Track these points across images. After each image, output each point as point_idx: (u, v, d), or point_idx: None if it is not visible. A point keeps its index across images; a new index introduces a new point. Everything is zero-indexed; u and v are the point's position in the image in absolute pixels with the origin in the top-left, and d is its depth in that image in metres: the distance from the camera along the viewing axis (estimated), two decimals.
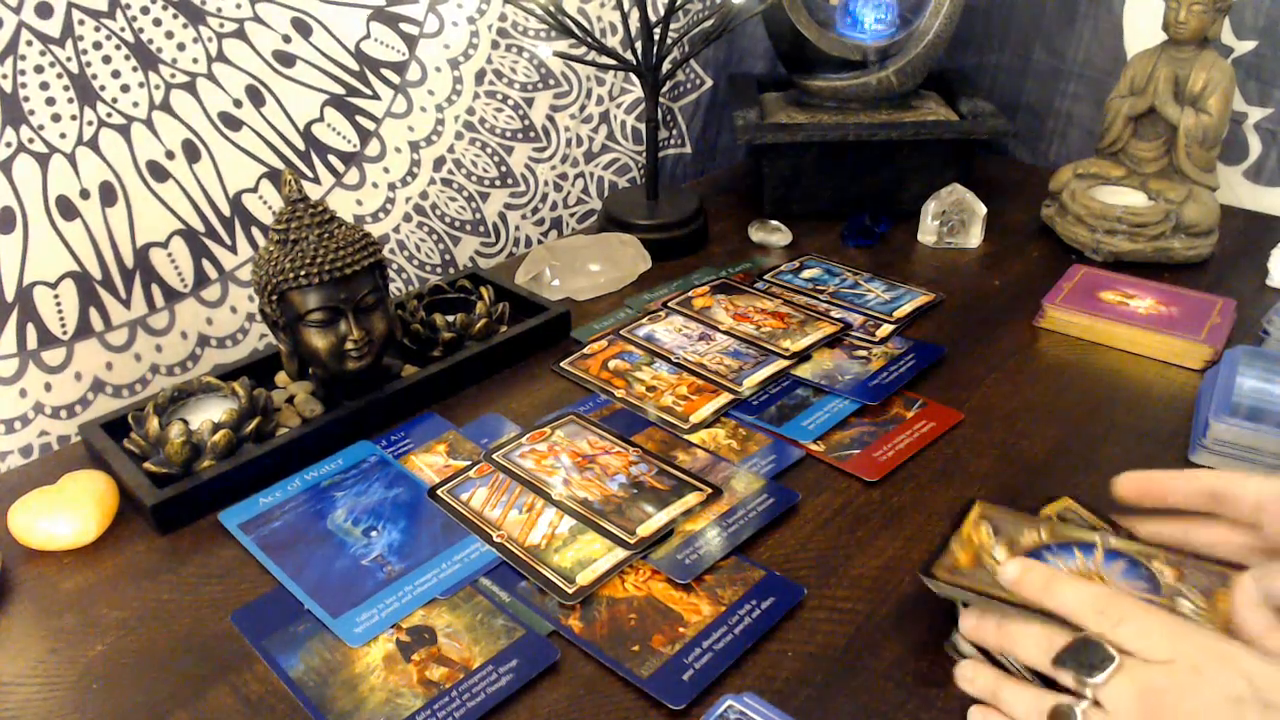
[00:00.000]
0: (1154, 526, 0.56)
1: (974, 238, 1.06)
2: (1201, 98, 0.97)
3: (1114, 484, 0.56)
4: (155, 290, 0.88)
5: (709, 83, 1.30)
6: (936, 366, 0.84)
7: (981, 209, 1.05)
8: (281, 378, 0.81)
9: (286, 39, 0.91)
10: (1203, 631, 0.44)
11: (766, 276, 1.00)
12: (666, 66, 1.01)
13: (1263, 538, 0.51)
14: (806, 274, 1.00)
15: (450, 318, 0.85)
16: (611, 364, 0.86)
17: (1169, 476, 0.55)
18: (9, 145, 0.77)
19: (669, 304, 0.95)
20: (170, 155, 0.86)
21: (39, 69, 0.77)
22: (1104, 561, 0.54)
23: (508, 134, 1.11)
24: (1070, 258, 1.01)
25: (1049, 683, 0.46)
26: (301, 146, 0.95)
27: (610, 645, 0.57)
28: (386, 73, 0.99)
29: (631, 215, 1.06)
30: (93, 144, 0.81)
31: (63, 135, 0.79)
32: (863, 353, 0.86)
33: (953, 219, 1.06)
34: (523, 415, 0.80)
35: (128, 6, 0.80)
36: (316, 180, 0.97)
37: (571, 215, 1.21)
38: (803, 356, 0.85)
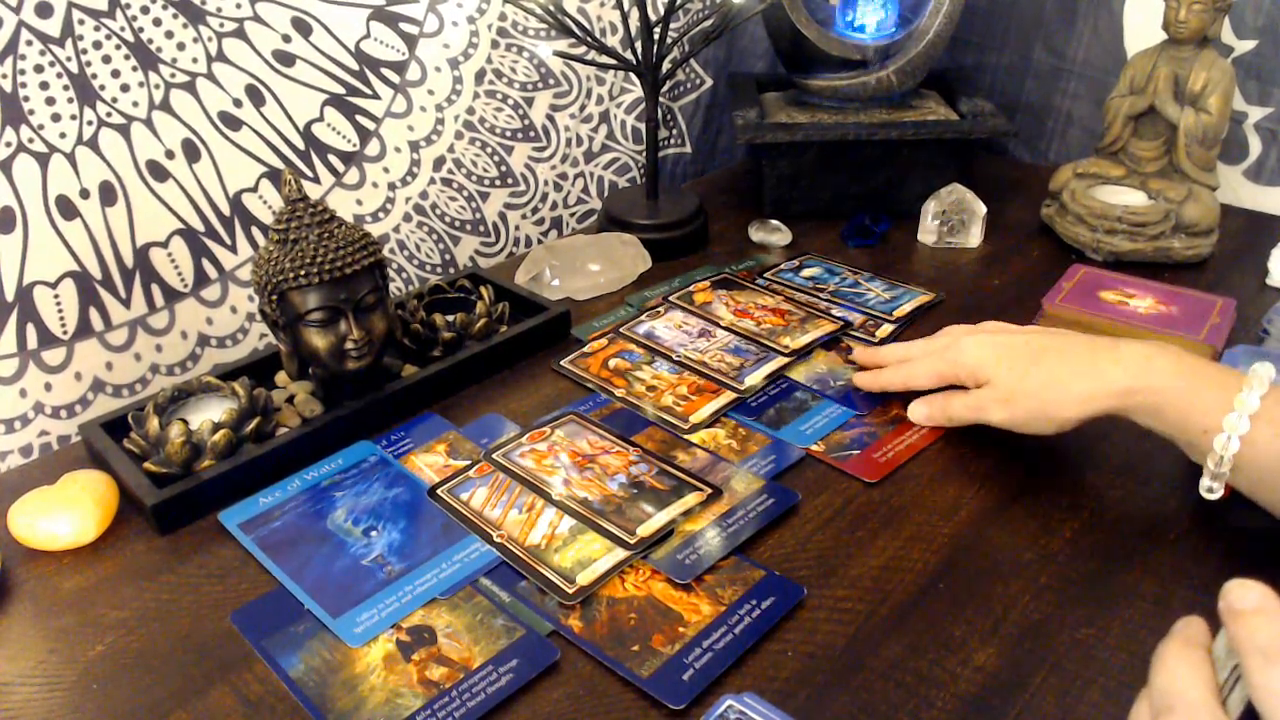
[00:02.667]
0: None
1: (974, 237, 1.06)
2: (1201, 97, 0.97)
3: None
4: (155, 290, 0.88)
5: (709, 82, 1.30)
6: None
7: (981, 209, 1.05)
8: (281, 378, 0.81)
9: (286, 39, 0.91)
10: None
11: (766, 275, 1.00)
12: (666, 66, 1.01)
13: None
14: (806, 273, 1.00)
15: (450, 318, 0.85)
16: (612, 363, 0.86)
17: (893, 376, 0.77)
18: (9, 145, 0.77)
19: (669, 298, 0.95)
20: (170, 155, 0.86)
21: (39, 69, 0.77)
22: None
23: (508, 134, 1.11)
24: (1070, 257, 1.01)
25: None
26: (301, 146, 0.95)
27: (610, 645, 0.57)
28: (386, 72, 0.99)
29: (631, 215, 1.06)
30: (93, 144, 0.81)
31: (63, 135, 0.79)
32: None
33: (953, 219, 1.06)
34: (523, 415, 0.80)
35: (128, 6, 0.80)
36: (316, 180, 0.97)
37: (571, 215, 1.21)
38: (802, 354, 0.85)
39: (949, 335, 0.76)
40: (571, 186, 1.20)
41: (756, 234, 1.09)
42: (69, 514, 0.66)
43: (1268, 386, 0.58)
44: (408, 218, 1.06)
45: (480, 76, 1.06)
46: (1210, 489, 0.61)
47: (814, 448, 0.74)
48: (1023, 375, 0.68)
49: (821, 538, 0.66)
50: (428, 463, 0.74)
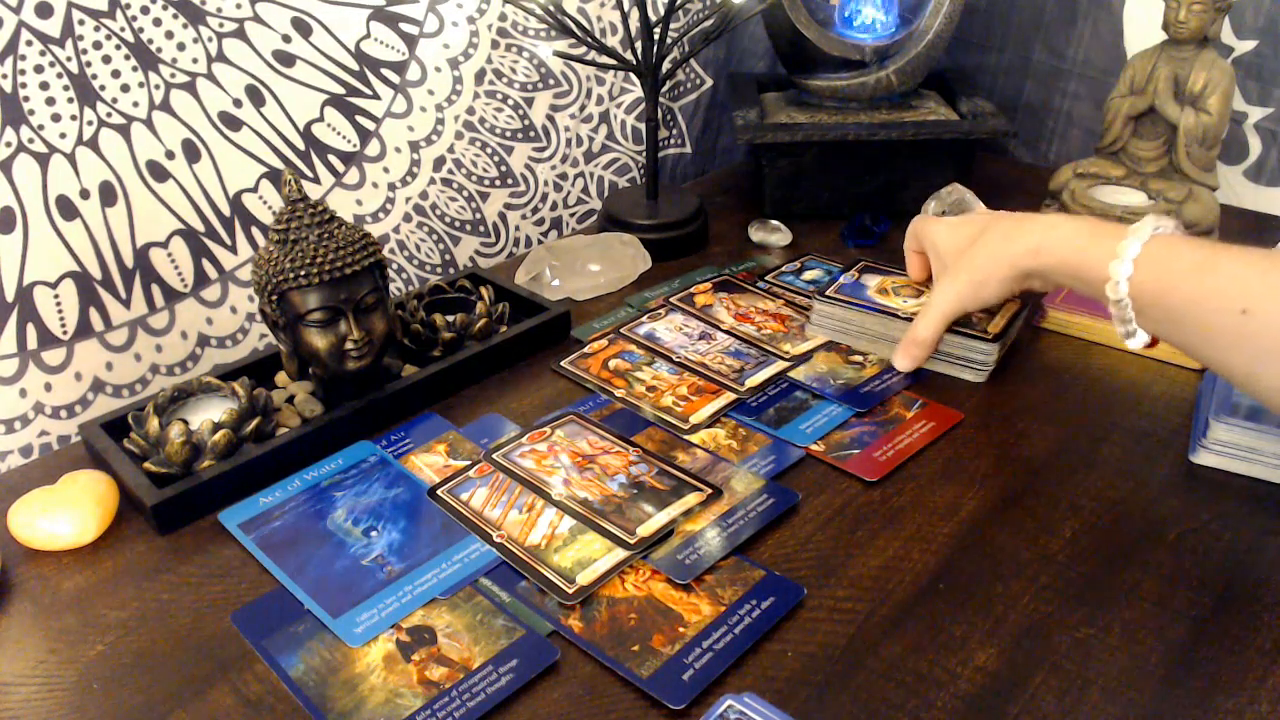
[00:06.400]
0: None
1: None
2: (1201, 97, 0.97)
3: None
4: (155, 290, 0.88)
5: (709, 83, 1.30)
6: (932, 373, 0.85)
7: (981, 209, 1.05)
8: (281, 378, 0.81)
9: (286, 39, 0.91)
10: None
11: (768, 278, 1.00)
12: (666, 66, 1.01)
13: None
14: (808, 275, 1.00)
15: (450, 318, 0.85)
16: (612, 364, 0.86)
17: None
18: (9, 145, 0.77)
19: (670, 300, 0.95)
20: (170, 155, 0.86)
21: (39, 69, 0.77)
22: None
23: (508, 134, 1.11)
24: None
25: None
26: (301, 146, 0.95)
27: (610, 645, 0.58)
28: (386, 72, 0.99)
29: (631, 215, 1.06)
30: (93, 144, 0.81)
31: (63, 135, 0.79)
32: (859, 358, 0.86)
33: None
34: (523, 415, 0.80)
35: (128, 6, 0.80)
36: (316, 180, 0.97)
37: (571, 215, 1.21)
38: (803, 359, 0.85)
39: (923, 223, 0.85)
40: (571, 186, 1.20)
41: (756, 234, 1.09)
42: (69, 514, 0.66)
43: (1149, 234, 0.63)
44: (408, 218, 1.06)
45: (480, 76, 1.06)
46: (1125, 334, 0.65)
47: (814, 447, 0.74)
48: (962, 248, 0.77)
49: (821, 538, 0.66)
50: (428, 463, 0.74)
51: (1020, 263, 0.72)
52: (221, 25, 0.86)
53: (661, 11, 0.96)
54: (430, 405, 0.81)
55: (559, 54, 1.05)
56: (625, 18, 1.08)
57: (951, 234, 0.79)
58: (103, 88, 0.81)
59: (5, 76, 0.75)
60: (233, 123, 0.89)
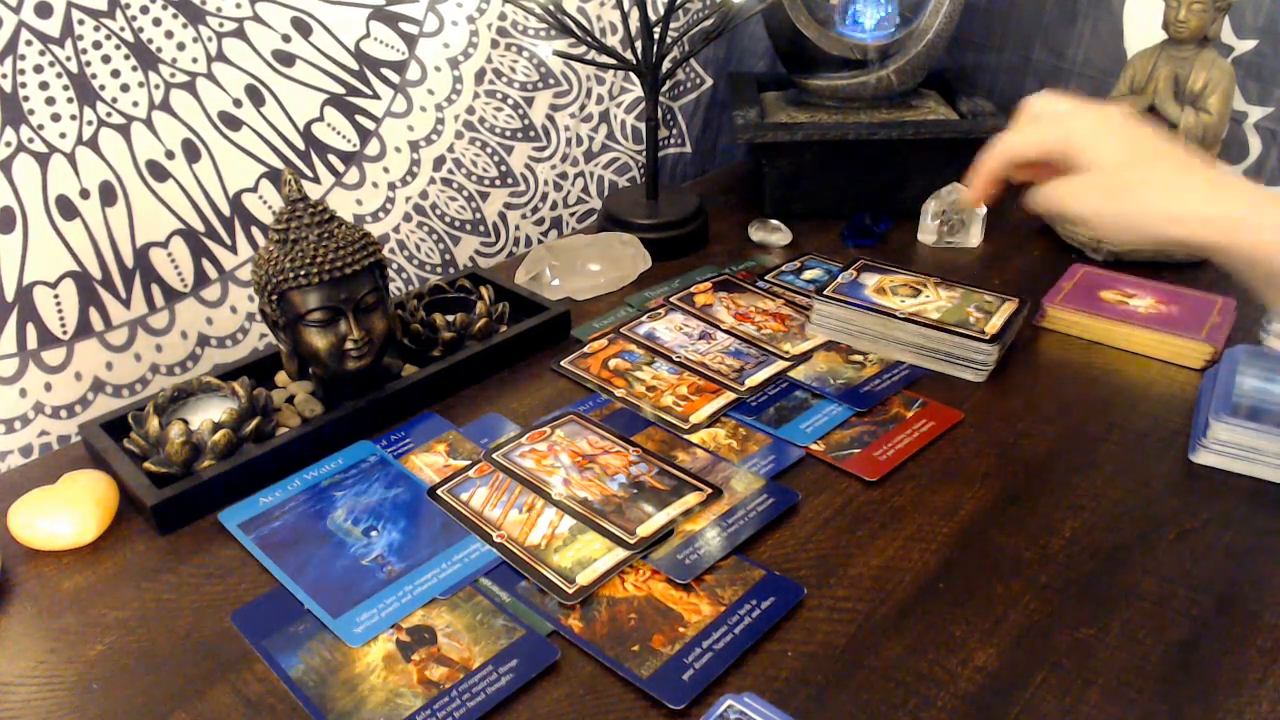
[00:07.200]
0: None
1: (974, 237, 1.06)
2: (1201, 97, 0.97)
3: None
4: (155, 290, 0.88)
5: (709, 82, 1.30)
6: (932, 372, 0.85)
7: (981, 208, 1.05)
8: (281, 378, 0.81)
9: (286, 38, 0.90)
10: None
11: (768, 277, 1.00)
12: (666, 66, 1.01)
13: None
14: (808, 274, 1.00)
15: (450, 318, 0.85)
16: (612, 363, 0.86)
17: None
18: (9, 145, 0.77)
19: (670, 300, 0.95)
20: (170, 155, 0.86)
21: (39, 69, 0.77)
22: None
23: (508, 133, 1.11)
24: (1070, 257, 1.01)
25: None
26: (301, 146, 0.95)
27: (610, 645, 0.58)
28: (386, 72, 0.99)
29: (631, 215, 1.06)
30: (92, 144, 0.81)
31: (63, 135, 0.79)
32: (859, 357, 0.86)
33: (952, 218, 1.06)
34: (523, 415, 0.80)
35: (127, 6, 0.80)
36: (316, 180, 0.97)
37: (571, 215, 1.21)
38: (802, 359, 0.85)
39: (1057, 103, 0.64)
40: (571, 186, 1.20)
41: (756, 234, 1.09)
42: (69, 514, 0.66)
43: None
44: (408, 218, 1.06)
45: (480, 76, 1.06)
46: None
47: (814, 447, 0.74)
48: (1125, 165, 0.57)
49: (821, 538, 0.66)
50: (428, 463, 0.74)
51: (1175, 230, 0.55)
52: (221, 25, 0.86)
53: (661, 11, 0.96)
54: (430, 405, 0.81)
55: (559, 53, 1.05)
56: (625, 17, 1.08)
57: (1124, 143, 0.59)
58: (102, 87, 0.81)
59: (5, 76, 0.75)
60: (233, 122, 0.89)
